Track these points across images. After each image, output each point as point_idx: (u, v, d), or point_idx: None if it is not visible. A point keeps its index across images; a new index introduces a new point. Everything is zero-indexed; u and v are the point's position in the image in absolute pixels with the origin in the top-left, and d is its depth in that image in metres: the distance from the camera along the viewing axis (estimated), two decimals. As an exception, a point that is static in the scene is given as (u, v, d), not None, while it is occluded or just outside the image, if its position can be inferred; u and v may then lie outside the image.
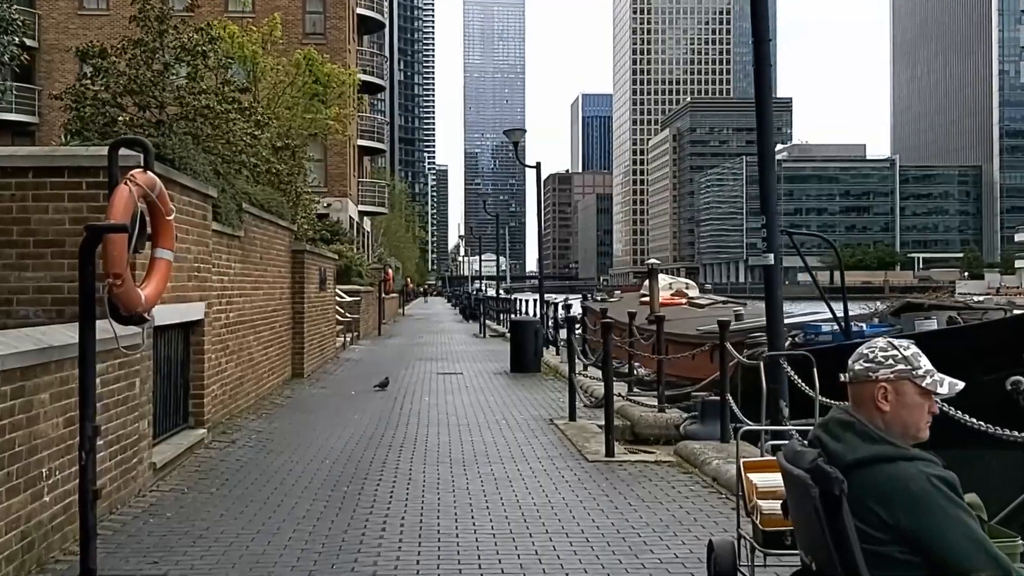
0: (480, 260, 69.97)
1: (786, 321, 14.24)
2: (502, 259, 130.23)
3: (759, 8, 6.87)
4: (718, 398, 9.14)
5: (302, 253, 16.18)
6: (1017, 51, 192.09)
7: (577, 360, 12.21)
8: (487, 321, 33.85)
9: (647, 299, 21.75)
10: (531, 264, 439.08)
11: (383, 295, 35.48)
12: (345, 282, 27.11)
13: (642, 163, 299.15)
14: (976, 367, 10.19)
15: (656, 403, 11.09)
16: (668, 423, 10.43)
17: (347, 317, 24.47)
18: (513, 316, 33.31)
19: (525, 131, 21.66)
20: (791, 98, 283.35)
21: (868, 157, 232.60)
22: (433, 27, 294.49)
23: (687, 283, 23.99)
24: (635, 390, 12.77)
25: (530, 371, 16.79)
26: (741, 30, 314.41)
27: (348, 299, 25.55)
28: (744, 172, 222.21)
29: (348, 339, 24.02)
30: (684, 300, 21.63)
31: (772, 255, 6.96)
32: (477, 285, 66.01)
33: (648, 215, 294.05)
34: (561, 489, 7.37)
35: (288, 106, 20.24)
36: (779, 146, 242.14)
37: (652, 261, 18.83)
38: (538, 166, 21.50)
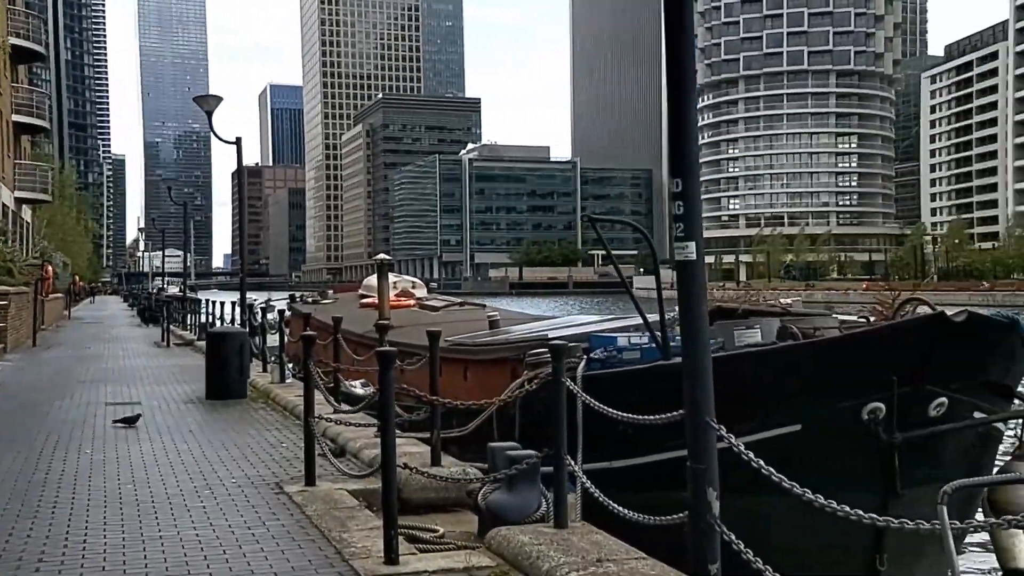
0: (163, 255, 63.41)
1: (563, 331, 11.62)
2: (187, 254, 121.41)
3: None
4: (540, 456, 6.25)
5: (-95, 244, 11.54)
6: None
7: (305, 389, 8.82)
8: (171, 326, 29.18)
9: (369, 301, 18.70)
10: (217, 260, 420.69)
11: (41, 296, 29.74)
12: (-13, 282, 21.76)
13: (336, 158, 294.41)
14: (832, 392, 7.97)
15: (429, 451, 8.03)
16: (450, 484, 7.41)
17: (-13, 327, 19.38)
18: (203, 319, 28.95)
19: (221, 98, 17.87)
20: (479, 99, 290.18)
21: (552, 159, 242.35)
22: (104, 5, 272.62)
23: (414, 281, 21.00)
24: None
25: (234, 397, 13.10)
26: (431, 28, 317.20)
27: (-10, 304, 20.36)
28: (437, 170, 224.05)
29: (-11, 355, 18.97)
30: (413, 302, 18.69)
31: (694, 245, 4.11)
32: (158, 283, 59.70)
33: (343, 211, 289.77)
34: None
35: None
36: (469, 145, 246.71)
37: (382, 256, 15.69)
38: (239, 141, 17.74)
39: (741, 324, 9.45)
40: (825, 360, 7.90)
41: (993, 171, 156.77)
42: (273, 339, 17.70)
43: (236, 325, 20.51)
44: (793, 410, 7.80)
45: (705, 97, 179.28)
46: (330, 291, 24.53)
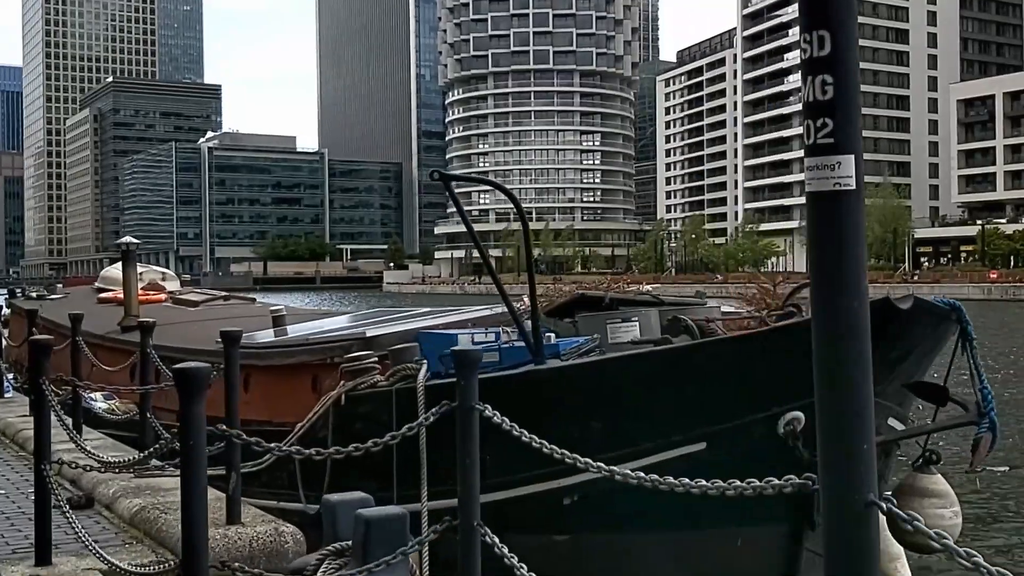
0: None
1: (381, 330, 9.40)
2: None
3: None
4: (445, 526, 4.13)
5: None
6: (433, 56, 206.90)
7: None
8: None
9: (110, 295, 15.67)
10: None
11: None
12: None
13: (59, 144, 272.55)
14: (745, 401, 6.38)
15: (222, 500, 5.64)
16: (260, 555, 5.10)
17: None
18: None
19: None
20: (220, 86, 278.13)
21: (298, 149, 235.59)
22: None
23: (164, 272, 17.92)
24: (156, 464, 7.06)
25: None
26: (167, 12, 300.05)
27: None
28: (174, 158, 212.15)
29: None
30: (164, 296, 15.79)
31: (852, 160, 2.07)
32: None
33: (67, 201, 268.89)
34: None
35: None
36: (209, 133, 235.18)
37: (128, 240, 12.85)
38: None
39: (614, 316, 7.67)
40: (739, 360, 6.24)
41: (723, 170, 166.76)
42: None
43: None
44: (696, 424, 6.18)
45: (455, 92, 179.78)
46: (59, 284, 20.89)
